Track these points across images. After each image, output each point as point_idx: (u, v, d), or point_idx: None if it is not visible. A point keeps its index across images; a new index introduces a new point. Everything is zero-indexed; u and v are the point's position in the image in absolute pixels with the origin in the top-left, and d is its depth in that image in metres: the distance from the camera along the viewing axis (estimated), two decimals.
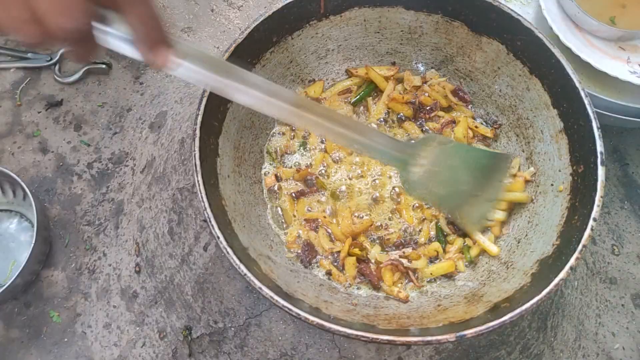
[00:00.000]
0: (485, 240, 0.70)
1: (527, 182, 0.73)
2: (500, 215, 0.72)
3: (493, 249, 0.69)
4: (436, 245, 0.71)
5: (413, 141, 0.74)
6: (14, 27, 0.38)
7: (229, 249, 0.57)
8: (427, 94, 0.78)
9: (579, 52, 0.83)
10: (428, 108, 0.78)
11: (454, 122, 0.77)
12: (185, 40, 0.99)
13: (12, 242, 0.80)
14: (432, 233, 0.73)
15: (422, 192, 0.60)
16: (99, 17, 0.40)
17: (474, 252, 0.71)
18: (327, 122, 0.50)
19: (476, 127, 0.77)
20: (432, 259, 0.71)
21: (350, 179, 0.75)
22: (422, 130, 0.78)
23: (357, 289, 0.70)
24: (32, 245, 0.72)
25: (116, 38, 0.42)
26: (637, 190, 0.89)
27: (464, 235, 0.72)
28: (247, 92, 0.47)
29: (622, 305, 0.81)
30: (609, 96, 0.82)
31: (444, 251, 0.71)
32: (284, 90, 0.49)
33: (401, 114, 0.78)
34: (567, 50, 0.83)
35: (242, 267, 0.56)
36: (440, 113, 0.78)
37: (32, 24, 0.37)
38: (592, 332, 0.78)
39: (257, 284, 0.55)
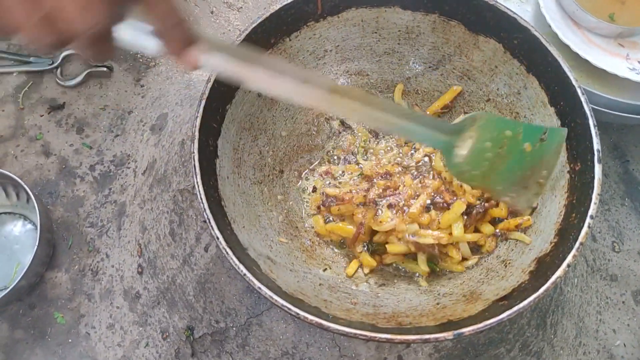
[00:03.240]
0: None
1: None
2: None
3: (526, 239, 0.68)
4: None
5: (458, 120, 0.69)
6: (22, 28, 0.34)
7: (228, 250, 0.57)
8: None
9: (577, 49, 0.83)
10: None
11: None
12: None
13: (16, 244, 0.81)
14: None
15: (469, 175, 0.56)
16: (118, 15, 0.38)
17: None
18: (365, 106, 0.48)
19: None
20: None
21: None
22: None
23: (356, 285, 0.70)
24: (36, 247, 0.73)
25: (138, 37, 0.40)
26: (638, 187, 0.89)
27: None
28: (278, 80, 0.44)
29: (623, 302, 0.81)
30: (608, 93, 0.82)
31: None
32: (317, 76, 0.47)
33: None
34: (565, 48, 0.83)
35: (242, 268, 0.56)
36: None
37: (48, 20, 0.34)
38: (592, 329, 0.78)
39: (257, 284, 0.56)
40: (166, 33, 0.39)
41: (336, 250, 0.75)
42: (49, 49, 0.36)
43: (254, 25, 0.69)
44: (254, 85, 0.46)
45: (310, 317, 0.54)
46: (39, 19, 0.33)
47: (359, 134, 0.81)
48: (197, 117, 0.64)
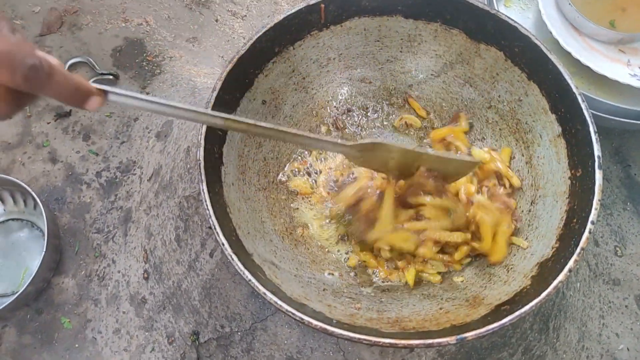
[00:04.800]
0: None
1: (513, 190, 0.74)
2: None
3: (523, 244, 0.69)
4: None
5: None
6: None
7: (233, 256, 0.58)
8: None
9: (578, 56, 0.83)
10: None
11: None
12: (190, 50, 1.01)
13: (24, 250, 0.82)
14: None
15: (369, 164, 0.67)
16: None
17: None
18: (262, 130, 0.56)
19: None
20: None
21: None
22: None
23: (361, 286, 0.71)
24: (43, 253, 0.74)
25: None
26: None
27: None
28: (167, 110, 0.51)
29: (626, 306, 0.81)
30: (609, 99, 0.82)
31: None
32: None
33: None
34: (567, 55, 0.84)
35: (247, 273, 0.57)
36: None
37: None
38: (595, 333, 0.79)
39: (262, 289, 0.57)
40: (64, 101, 0.45)
41: (344, 252, 0.76)
42: None
43: (258, 35, 0.70)
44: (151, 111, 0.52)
45: (314, 322, 0.54)
46: None
47: None
48: (202, 125, 0.64)
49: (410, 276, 0.71)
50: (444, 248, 0.72)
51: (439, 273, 0.72)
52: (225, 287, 0.80)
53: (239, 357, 0.76)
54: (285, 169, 0.80)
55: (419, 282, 0.72)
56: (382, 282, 0.73)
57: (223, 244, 0.58)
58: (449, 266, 0.72)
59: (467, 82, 0.79)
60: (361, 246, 0.74)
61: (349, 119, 0.85)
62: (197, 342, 0.77)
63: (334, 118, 0.84)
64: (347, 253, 0.75)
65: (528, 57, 0.70)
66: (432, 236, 0.69)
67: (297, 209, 0.78)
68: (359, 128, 0.85)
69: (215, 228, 0.59)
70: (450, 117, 0.82)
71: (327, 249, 0.76)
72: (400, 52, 0.81)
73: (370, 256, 0.73)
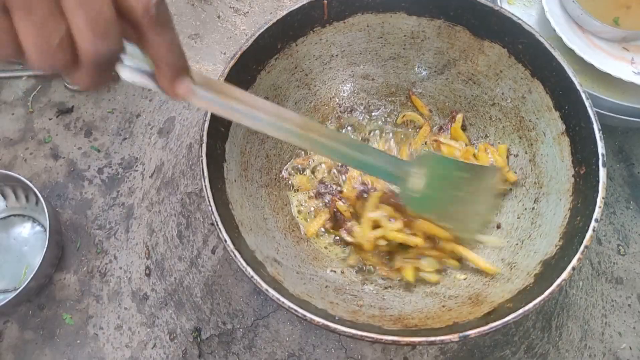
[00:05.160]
0: (478, 258, 0.70)
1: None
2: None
3: (488, 266, 0.68)
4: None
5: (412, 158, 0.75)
6: (41, 50, 0.31)
7: (236, 252, 0.58)
8: None
9: (582, 53, 0.83)
10: None
11: None
12: (192, 47, 1.01)
13: (26, 246, 0.82)
14: None
15: (423, 208, 0.64)
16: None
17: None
18: (331, 142, 0.52)
19: None
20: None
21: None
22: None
23: (363, 284, 0.71)
24: (45, 249, 0.74)
25: (133, 70, 0.39)
26: None
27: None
28: (255, 116, 0.47)
29: (629, 305, 0.81)
30: (613, 97, 0.82)
31: None
32: (290, 113, 0.49)
33: None
34: (570, 52, 0.83)
35: (249, 270, 0.57)
36: None
37: (62, 46, 0.31)
38: (598, 332, 0.79)
39: (264, 286, 0.56)
40: (163, 64, 0.38)
41: (341, 253, 0.76)
42: (51, 73, 0.33)
43: (261, 31, 0.70)
44: (235, 120, 0.47)
45: (316, 319, 0.54)
46: (51, 45, 0.31)
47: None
48: (205, 120, 0.64)
49: (409, 273, 0.71)
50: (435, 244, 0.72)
51: (436, 272, 0.72)
52: (227, 284, 0.80)
53: (240, 354, 0.76)
54: (288, 165, 0.80)
55: (420, 281, 0.72)
56: (383, 279, 0.73)
57: (225, 241, 0.58)
58: (444, 263, 0.72)
59: (471, 79, 0.79)
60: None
61: (352, 116, 0.84)
62: (198, 338, 0.77)
63: (337, 116, 0.84)
64: (344, 252, 0.75)
65: (532, 54, 0.70)
66: (422, 227, 0.70)
67: (298, 205, 0.78)
68: (362, 126, 0.85)
69: (217, 224, 0.59)
70: (452, 115, 0.82)
71: (327, 249, 0.76)
72: (404, 49, 0.80)
73: (370, 254, 0.73)
